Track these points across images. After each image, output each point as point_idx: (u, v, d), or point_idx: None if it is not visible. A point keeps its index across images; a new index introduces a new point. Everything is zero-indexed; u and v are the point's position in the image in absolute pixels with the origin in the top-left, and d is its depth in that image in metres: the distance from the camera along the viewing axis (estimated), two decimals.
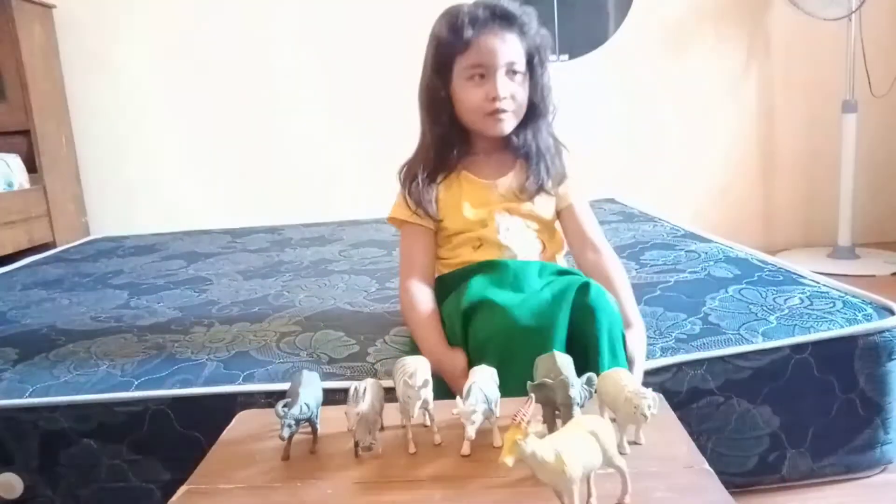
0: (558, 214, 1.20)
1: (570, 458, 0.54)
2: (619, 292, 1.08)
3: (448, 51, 1.11)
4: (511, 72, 1.10)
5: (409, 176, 1.17)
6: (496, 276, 1.07)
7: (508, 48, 1.09)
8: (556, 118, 1.19)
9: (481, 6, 1.10)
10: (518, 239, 1.14)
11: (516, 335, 0.94)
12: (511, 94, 1.10)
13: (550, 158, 1.16)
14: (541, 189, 1.15)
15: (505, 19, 1.10)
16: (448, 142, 1.15)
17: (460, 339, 1.01)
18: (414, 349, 1.07)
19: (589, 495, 0.58)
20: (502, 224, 1.15)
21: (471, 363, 0.95)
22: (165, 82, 2.85)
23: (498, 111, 1.10)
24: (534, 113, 1.16)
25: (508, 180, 1.16)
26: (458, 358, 0.99)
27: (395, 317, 1.27)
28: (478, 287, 1.04)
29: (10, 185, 2.50)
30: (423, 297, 1.12)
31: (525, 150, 1.16)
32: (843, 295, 1.24)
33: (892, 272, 2.46)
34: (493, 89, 1.08)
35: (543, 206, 1.17)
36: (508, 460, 0.52)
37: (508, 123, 1.13)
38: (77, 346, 1.24)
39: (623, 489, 0.59)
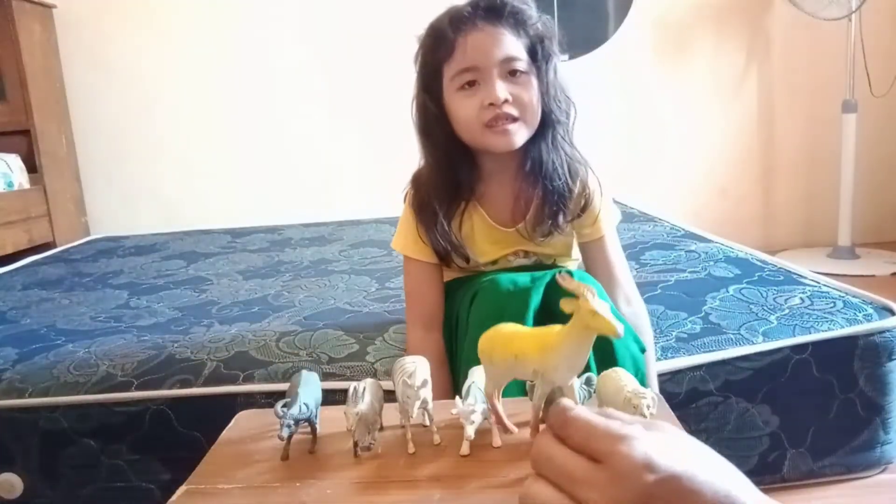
0: (583, 244, 1.06)
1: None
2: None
3: (433, 59, 0.95)
4: (511, 72, 0.93)
5: (425, 212, 1.01)
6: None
7: (501, 44, 0.92)
8: (575, 120, 1.00)
9: (467, 3, 0.94)
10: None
11: (499, 299, 0.91)
12: (514, 96, 0.92)
13: (566, 185, 0.98)
14: (555, 229, 0.99)
15: (492, 11, 0.92)
16: (454, 166, 0.99)
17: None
18: None
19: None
20: (514, 263, 1.05)
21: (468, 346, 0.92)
22: (165, 82, 2.86)
23: (500, 118, 0.92)
24: (546, 120, 0.97)
25: (527, 220, 1.01)
26: None
27: (394, 316, 1.27)
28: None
29: (10, 185, 2.50)
30: (432, 356, 0.97)
31: (541, 174, 0.98)
32: (843, 295, 1.24)
33: (892, 272, 2.46)
34: (490, 93, 0.91)
35: (564, 242, 1.04)
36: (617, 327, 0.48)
37: (518, 134, 0.94)
38: (77, 346, 1.24)
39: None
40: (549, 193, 0.98)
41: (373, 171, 2.87)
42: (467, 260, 1.03)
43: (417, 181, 1.04)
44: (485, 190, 1.02)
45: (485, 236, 1.02)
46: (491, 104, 0.91)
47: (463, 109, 0.94)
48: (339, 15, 2.78)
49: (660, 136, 2.88)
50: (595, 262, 1.05)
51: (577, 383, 0.67)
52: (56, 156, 2.75)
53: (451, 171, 0.99)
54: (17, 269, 1.99)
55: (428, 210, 1.00)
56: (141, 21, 2.81)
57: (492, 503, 0.57)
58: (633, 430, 0.39)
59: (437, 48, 0.94)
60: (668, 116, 2.87)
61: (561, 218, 0.99)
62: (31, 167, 2.62)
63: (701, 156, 2.91)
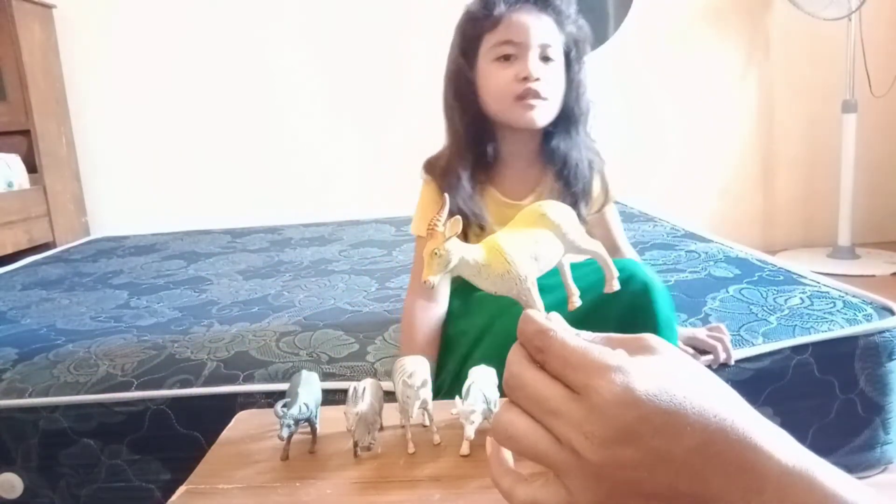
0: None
1: (513, 249, 0.42)
2: None
3: (476, 27, 1.01)
4: (544, 58, 0.99)
5: (450, 175, 1.02)
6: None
7: (543, 28, 0.99)
8: (592, 118, 1.08)
9: None
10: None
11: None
12: (545, 77, 0.98)
13: (586, 180, 1.04)
14: None
15: (542, 0, 1.00)
16: (478, 138, 1.03)
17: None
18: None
19: None
20: None
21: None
22: (165, 82, 2.85)
23: (530, 94, 0.97)
24: (569, 117, 1.04)
25: (535, 198, 1.05)
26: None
27: (394, 315, 1.27)
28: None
29: (10, 185, 2.50)
30: (424, 321, 1.04)
31: (559, 165, 1.03)
32: (843, 295, 1.24)
33: (892, 272, 2.46)
34: (525, 68, 0.97)
35: None
36: (433, 279, 0.40)
37: (542, 112, 1.00)
38: (77, 346, 1.24)
39: (608, 274, 0.49)
40: (565, 189, 1.03)
41: (373, 171, 2.87)
42: (483, 227, 1.03)
43: (435, 160, 1.07)
44: (499, 173, 1.06)
45: (496, 216, 1.03)
46: (525, 78, 0.97)
47: (496, 79, 0.99)
48: (339, 15, 2.78)
49: (660, 136, 2.88)
50: (595, 231, 1.11)
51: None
52: (56, 156, 2.75)
53: (475, 142, 1.03)
54: (17, 269, 1.99)
55: (452, 174, 1.02)
56: (141, 21, 2.81)
57: (492, 503, 0.58)
58: (615, 358, 0.33)
59: (484, 18, 0.99)
60: (668, 116, 2.87)
61: (578, 201, 1.04)
62: (31, 167, 2.62)
63: (701, 156, 2.91)
